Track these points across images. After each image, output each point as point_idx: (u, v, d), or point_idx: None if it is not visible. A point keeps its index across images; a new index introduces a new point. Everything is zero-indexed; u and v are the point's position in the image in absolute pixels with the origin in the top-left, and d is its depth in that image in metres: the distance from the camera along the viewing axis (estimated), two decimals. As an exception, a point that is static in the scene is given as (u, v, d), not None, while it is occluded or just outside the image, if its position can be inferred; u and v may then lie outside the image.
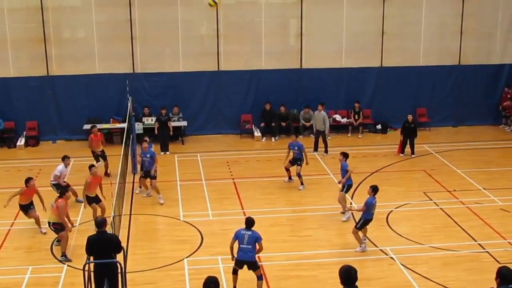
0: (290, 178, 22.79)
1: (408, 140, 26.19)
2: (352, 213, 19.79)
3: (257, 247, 15.23)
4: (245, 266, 15.20)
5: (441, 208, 20.69)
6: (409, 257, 17.24)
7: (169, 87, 29.16)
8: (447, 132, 30.12)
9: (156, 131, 27.34)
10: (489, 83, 30.82)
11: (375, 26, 29.66)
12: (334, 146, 26.97)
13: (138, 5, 28.54)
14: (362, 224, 17.50)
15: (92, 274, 13.90)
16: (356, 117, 29.35)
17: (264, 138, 28.96)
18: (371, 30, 29.74)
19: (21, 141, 28.36)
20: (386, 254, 17.52)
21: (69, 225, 17.78)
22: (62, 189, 18.75)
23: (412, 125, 26.20)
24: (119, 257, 13.98)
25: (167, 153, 26.65)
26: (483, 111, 30.83)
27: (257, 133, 29.14)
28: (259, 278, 15.25)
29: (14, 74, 28.63)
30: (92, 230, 15.37)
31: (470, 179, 23.41)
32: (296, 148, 22.26)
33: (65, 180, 21.01)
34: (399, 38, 30.01)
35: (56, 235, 17.70)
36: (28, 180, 18.80)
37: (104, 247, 13.79)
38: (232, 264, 15.40)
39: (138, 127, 26.81)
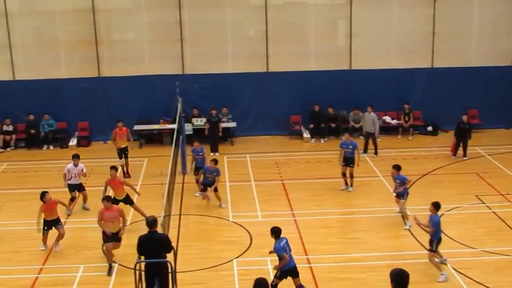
0: (346, 184, 22.37)
1: (461, 142, 25.80)
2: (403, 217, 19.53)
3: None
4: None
5: (493, 212, 20.37)
6: (461, 261, 16.99)
7: (218, 88, 29.26)
8: (499, 134, 29.62)
9: (206, 132, 27.45)
10: (542, 84, 30.25)
11: (425, 27, 29.32)
12: (384, 148, 26.80)
13: (188, 6, 28.74)
14: (436, 245, 16.30)
15: (142, 273, 13.99)
16: (406, 119, 29.07)
17: (313, 139, 28.86)
18: (421, 30, 29.42)
19: (73, 141, 28.79)
20: (437, 258, 17.29)
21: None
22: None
23: (467, 126, 25.82)
24: (169, 256, 14.05)
25: (217, 154, 26.71)
26: (536, 112, 30.28)
27: (306, 134, 29.06)
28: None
29: (66, 76, 29.07)
30: (143, 229, 15.47)
31: (524, 182, 23.04)
32: (350, 146, 21.98)
33: (78, 179, 21.09)
34: (450, 38, 29.62)
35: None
36: (43, 195, 18.15)
37: (155, 247, 13.88)
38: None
39: (188, 128, 26.96)
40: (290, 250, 14.98)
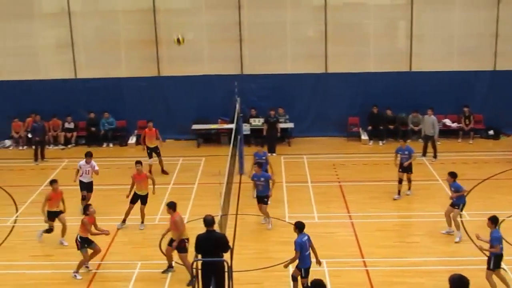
0: (399, 193, 21.83)
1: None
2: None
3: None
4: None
5: (557, 218, 19.91)
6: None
7: (276, 89, 29.27)
8: None
9: (264, 132, 27.47)
10: None
11: (488, 28, 28.78)
12: (444, 151, 26.43)
13: (247, 7, 28.83)
14: (495, 263, 15.23)
15: (199, 271, 14.07)
16: (467, 122, 28.64)
17: (371, 141, 28.66)
18: (484, 32, 28.88)
19: (132, 139, 29.14)
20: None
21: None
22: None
23: None
24: (226, 256, 14.10)
25: (274, 154, 26.70)
26: None
27: (364, 136, 28.88)
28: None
29: (126, 74, 29.48)
30: (200, 228, 15.57)
31: None
32: (406, 152, 21.62)
33: (90, 176, 21.06)
34: (515, 40, 29.08)
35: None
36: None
37: (213, 246, 13.96)
38: (337, 267, 15.27)
39: (245, 128, 27.04)
40: (308, 249, 14.89)
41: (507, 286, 15.45)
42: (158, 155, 24.93)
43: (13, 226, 20.18)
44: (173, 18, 29.35)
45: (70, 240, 17.96)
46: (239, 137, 24.00)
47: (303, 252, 14.69)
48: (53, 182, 18.76)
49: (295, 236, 18.13)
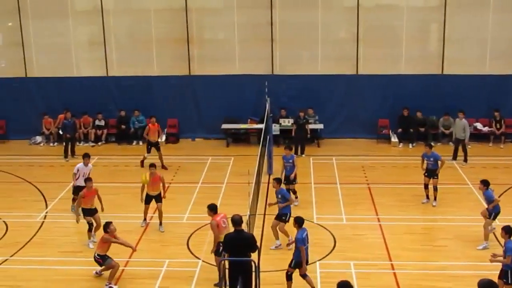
0: (427, 197, 21.61)
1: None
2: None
3: None
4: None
5: None
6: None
7: (307, 90, 29.22)
8: None
9: (293, 133, 27.47)
10: None
11: (522, 32, 28.57)
12: (474, 155, 26.21)
13: (279, 7, 28.84)
14: None
15: (227, 271, 14.11)
16: (498, 126, 28.37)
17: (401, 144, 28.51)
18: (518, 35, 28.66)
19: (161, 138, 29.24)
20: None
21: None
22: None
23: None
24: (253, 256, 14.12)
25: (303, 155, 26.68)
26: None
27: (394, 139, 28.74)
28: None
29: (157, 73, 29.67)
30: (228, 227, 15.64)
31: None
32: (431, 159, 21.28)
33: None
34: (548, 45, 28.75)
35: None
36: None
37: (241, 246, 13.99)
38: (365, 270, 15.22)
39: (275, 128, 27.04)
40: (307, 243, 15.41)
41: None
42: (158, 149, 25.44)
43: (43, 222, 20.37)
44: (205, 17, 29.50)
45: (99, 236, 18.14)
46: (268, 137, 24.01)
47: (303, 247, 15.28)
48: (87, 180, 18.84)
49: (323, 237, 18.17)
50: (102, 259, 16.21)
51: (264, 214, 20.38)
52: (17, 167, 25.91)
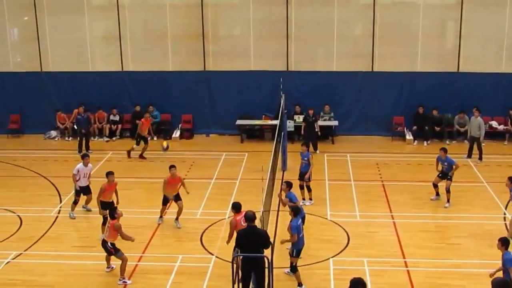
0: (437, 194, 21.59)
1: None
2: None
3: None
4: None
5: None
6: None
7: (322, 86, 29.19)
8: None
9: (302, 131, 27.40)
10: None
11: (539, 30, 28.37)
12: (489, 154, 26.09)
13: (295, 4, 28.79)
14: None
15: (240, 267, 14.10)
16: (513, 124, 28.30)
17: (416, 141, 28.41)
18: (535, 34, 28.45)
19: (176, 133, 29.34)
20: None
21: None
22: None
23: None
24: (267, 252, 14.12)
25: (316, 152, 26.62)
26: None
27: (409, 136, 28.65)
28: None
29: (172, 68, 29.71)
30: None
31: None
32: (445, 163, 21.16)
33: (89, 180, 20.30)
34: None
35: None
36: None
37: (254, 242, 13.96)
38: (378, 267, 15.17)
39: (289, 125, 27.02)
40: (302, 231, 15.86)
41: None
42: (146, 142, 26.34)
43: (57, 217, 20.44)
44: (220, 13, 29.51)
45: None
46: (282, 133, 23.99)
47: (298, 235, 15.62)
48: (109, 174, 18.88)
49: (337, 234, 18.17)
50: (114, 249, 16.18)
51: (278, 211, 20.37)
52: (32, 162, 26.03)
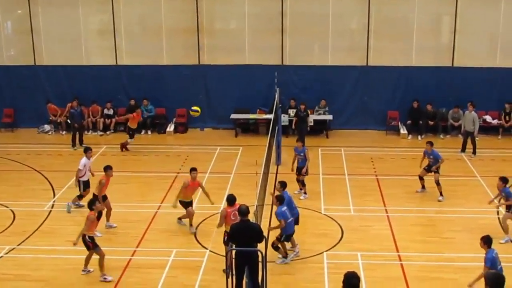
0: (423, 187, 21.73)
1: None
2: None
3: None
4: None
5: None
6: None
7: (317, 81, 29.18)
8: None
9: (293, 126, 27.37)
10: None
11: (533, 25, 28.39)
12: (483, 148, 26.13)
13: (291, -2, 28.79)
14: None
15: (233, 261, 14.09)
16: (507, 119, 28.26)
17: (410, 136, 28.44)
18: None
19: (170, 127, 29.30)
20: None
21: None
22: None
23: None
24: (260, 246, 14.11)
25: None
26: None
27: (403, 131, 28.66)
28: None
29: (167, 62, 29.62)
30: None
31: None
32: (431, 157, 21.28)
33: (92, 173, 20.29)
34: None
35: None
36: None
37: (248, 236, 13.94)
38: (372, 261, 15.15)
39: (284, 119, 27.00)
40: (290, 217, 16.55)
41: None
42: (132, 137, 26.37)
43: (50, 211, 20.40)
44: (216, 7, 29.43)
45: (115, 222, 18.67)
46: (277, 127, 23.97)
47: (285, 220, 16.39)
48: (108, 168, 18.82)
49: (331, 228, 18.21)
50: (93, 244, 15.93)
51: (272, 205, 20.35)
52: (26, 156, 25.95)
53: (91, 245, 15.97)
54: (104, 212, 18.60)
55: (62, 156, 25.89)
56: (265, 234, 14.52)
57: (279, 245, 16.69)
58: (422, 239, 18.30)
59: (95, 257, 16.15)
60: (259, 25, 29.26)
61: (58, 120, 29.45)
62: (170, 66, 29.51)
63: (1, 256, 17.28)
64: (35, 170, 24.19)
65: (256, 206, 16.03)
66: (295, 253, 17.12)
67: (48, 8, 29.54)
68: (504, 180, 18.20)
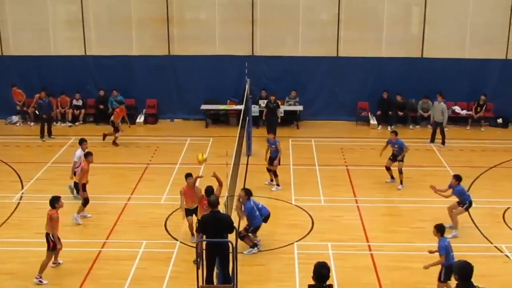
0: (392, 177, 21.87)
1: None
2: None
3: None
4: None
5: None
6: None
7: (287, 71, 29.16)
8: None
9: (264, 117, 27.33)
10: None
11: (502, 17, 28.53)
12: (452, 138, 26.35)
13: (260, -12, 28.68)
14: (446, 273, 14.40)
15: (204, 252, 14.06)
16: (478, 110, 28.49)
17: (380, 126, 28.57)
18: (499, 20, 28.58)
19: (140, 118, 29.12)
20: (501, 252, 17.00)
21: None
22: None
23: None
24: (231, 237, 14.09)
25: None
26: None
27: (373, 121, 28.79)
28: None
29: (137, 53, 29.38)
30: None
31: None
32: (396, 146, 21.47)
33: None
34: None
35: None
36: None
37: (217, 227, 13.92)
38: (343, 251, 15.20)
39: (254, 110, 26.94)
40: (257, 211, 16.75)
41: None
42: (117, 130, 25.91)
43: (19, 203, 20.16)
44: (186, -4, 29.26)
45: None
46: (247, 118, 23.93)
47: (254, 214, 16.63)
48: (88, 154, 18.83)
49: (301, 218, 18.30)
50: (54, 244, 15.53)
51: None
52: (-7, 147, 25.67)
53: (52, 245, 15.61)
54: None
55: (31, 148, 25.62)
56: (235, 225, 14.52)
57: (246, 236, 16.78)
58: (392, 229, 18.41)
59: (66, 248, 16.01)
60: (230, 15, 29.12)
61: (24, 109, 29.05)
62: (140, 56, 29.29)
63: (-31, 249, 17.09)
64: (3, 162, 23.87)
65: (227, 197, 15.99)
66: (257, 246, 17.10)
67: (15, -3, 29.17)
68: (457, 177, 18.11)
